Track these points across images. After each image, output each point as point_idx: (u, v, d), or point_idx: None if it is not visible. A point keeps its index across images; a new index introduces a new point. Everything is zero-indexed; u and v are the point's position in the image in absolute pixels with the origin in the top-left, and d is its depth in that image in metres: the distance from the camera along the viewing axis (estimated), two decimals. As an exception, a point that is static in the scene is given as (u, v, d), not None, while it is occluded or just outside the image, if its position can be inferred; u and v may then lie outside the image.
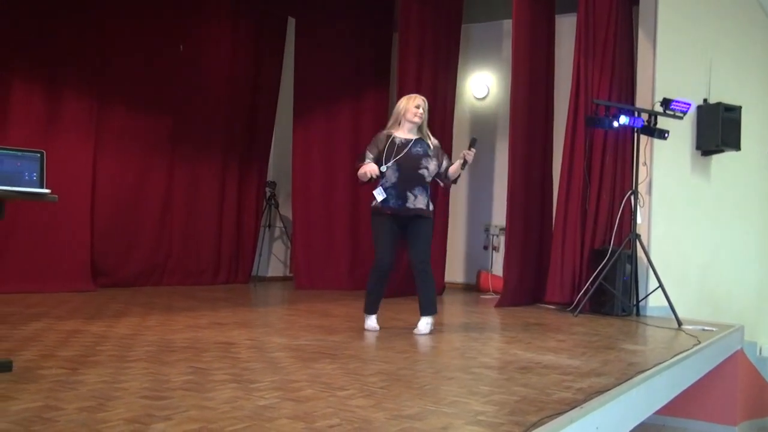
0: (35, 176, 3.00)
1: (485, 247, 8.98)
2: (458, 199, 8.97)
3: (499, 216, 8.71)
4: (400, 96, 7.36)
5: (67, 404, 2.46)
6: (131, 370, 3.09)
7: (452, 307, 7.05)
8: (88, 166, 6.84)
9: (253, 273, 8.76)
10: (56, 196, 3.02)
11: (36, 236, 6.39)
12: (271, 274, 9.26)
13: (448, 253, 8.28)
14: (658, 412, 4.22)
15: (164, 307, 5.73)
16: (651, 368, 3.75)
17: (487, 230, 8.98)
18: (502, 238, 8.34)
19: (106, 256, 7.07)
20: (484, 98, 9.19)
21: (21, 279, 6.20)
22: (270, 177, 9.08)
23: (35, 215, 6.33)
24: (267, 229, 9.09)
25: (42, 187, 3.01)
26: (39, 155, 3.04)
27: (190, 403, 2.55)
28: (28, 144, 5.82)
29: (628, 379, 3.38)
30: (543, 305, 7.16)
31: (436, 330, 4.92)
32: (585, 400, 2.83)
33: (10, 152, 2.99)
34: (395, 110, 4.84)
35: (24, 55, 6.35)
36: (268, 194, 8.99)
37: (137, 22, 7.29)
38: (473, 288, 8.94)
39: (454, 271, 9.01)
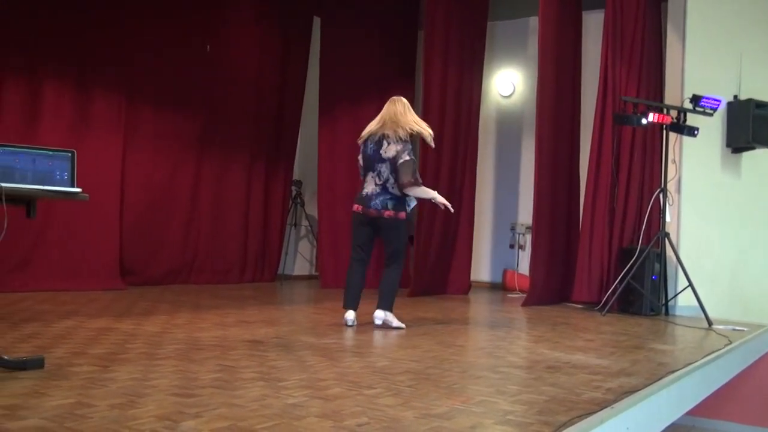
0: (66, 175, 3.04)
1: (511, 246, 8.94)
2: (484, 197, 8.94)
3: (525, 214, 8.66)
4: (426, 95, 7.43)
5: (98, 401, 2.48)
6: (161, 367, 3.12)
7: (478, 306, 7.03)
8: (116, 165, 6.91)
9: (279, 271, 8.80)
10: (87, 195, 3.06)
11: (66, 235, 6.47)
12: (297, 272, 9.29)
13: (473, 251, 8.24)
14: (689, 413, 4.17)
15: (192, 305, 5.77)
16: (681, 368, 3.70)
17: (513, 229, 8.93)
18: (528, 237, 8.29)
19: (134, 255, 7.14)
20: (509, 96, 9.14)
21: (52, 277, 6.29)
22: (296, 176, 9.11)
23: (65, 214, 6.42)
24: (293, 227, 9.12)
25: (73, 186, 3.05)
26: (70, 155, 3.08)
27: (220, 400, 2.56)
28: (58, 143, 5.91)
29: (659, 380, 3.34)
30: (570, 304, 7.11)
31: (462, 328, 4.90)
32: (615, 401, 2.80)
33: (42, 152, 3.03)
34: (418, 125, 4.88)
35: (53, 56, 6.43)
36: (294, 193, 9.02)
37: (164, 22, 7.34)
38: (499, 287, 8.90)
39: (480, 270, 8.98)
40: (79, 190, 3.04)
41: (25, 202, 3.00)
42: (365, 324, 4.93)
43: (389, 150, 4.76)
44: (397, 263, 4.88)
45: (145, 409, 2.41)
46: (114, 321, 4.57)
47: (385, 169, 4.78)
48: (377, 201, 4.79)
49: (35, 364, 2.96)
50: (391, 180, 4.77)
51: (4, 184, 2.81)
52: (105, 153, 6.79)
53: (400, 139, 4.76)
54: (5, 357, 2.90)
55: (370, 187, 4.85)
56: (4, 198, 2.75)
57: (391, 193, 4.78)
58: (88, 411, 2.35)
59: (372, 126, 4.93)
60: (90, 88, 6.71)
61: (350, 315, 4.84)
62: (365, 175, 4.91)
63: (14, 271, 6.10)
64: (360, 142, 4.97)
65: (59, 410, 2.35)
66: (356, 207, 4.88)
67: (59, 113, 6.48)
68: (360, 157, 4.97)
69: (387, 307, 4.84)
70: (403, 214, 4.81)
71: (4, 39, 6.10)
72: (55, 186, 3.00)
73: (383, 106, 5.01)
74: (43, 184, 2.96)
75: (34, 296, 5.75)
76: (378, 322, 4.82)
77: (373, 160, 4.82)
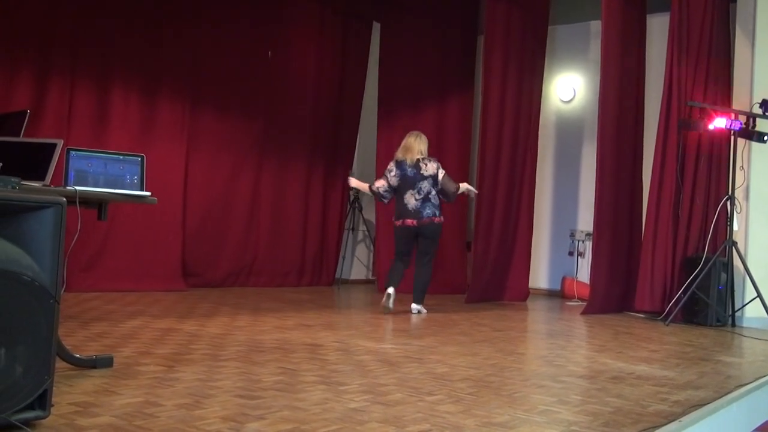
0: (136, 179, 3.12)
1: (570, 253, 8.79)
2: (543, 204, 8.82)
3: (584, 221, 8.52)
4: (485, 99, 7.41)
5: (165, 401, 2.54)
6: (224, 369, 3.17)
7: (537, 314, 6.94)
8: (180, 170, 7.08)
9: (337, 276, 8.86)
10: (156, 198, 3.14)
11: (132, 237, 6.66)
12: (353, 277, 9.33)
13: (532, 258, 8.14)
14: (759, 428, 4.03)
15: (252, 307, 5.86)
16: (751, 382, 3.58)
17: (572, 236, 8.79)
18: (588, 244, 8.15)
19: (196, 257, 7.28)
20: (570, 101, 9.01)
21: (118, 277, 6.47)
22: (354, 181, 9.15)
23: (132, 217, 6.60)
24: (350, 232, 9.17)
25: (143, 190, 3.14)
26: (140, 159, 3.17)
27: (282, 403, 2.59)
28: (125, 148, 6.08)
29: (727, 393, 3.24)
30: (631, 313, 6.95)
31: (521, 336, 4.84)
32: (683, 414, 2.73)
33: (114, 156, 3.13)
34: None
35: (122, 65, 6.64)
36: (351, 198, 9.07)
37: (227, 29, 7.49)
38: (557, 294, 8.77)
39: (538, 277, 8.87)
40: (148, 193, 3.13)
41: (96, 204, 3.10)
42: (422, 330, 4.94)
43: (429, 168, 5.93)
44: (431, 261, 6.03)
45: (211, 409, 2.45)
46: (178, 322, 4.68)
47: (426, 184, 5.89)
48: (428, 211, 5.86)
49: (105, 362, 3.05)
50: (433, 192, 5.91)
51: (78, 188, 2.91)
52: (169, 157, 6.95)
53: (431, 158, 6.02)
54: (77, 355, 3.00)
55: (411, 202, 5.89)
56: (78, 201, 2.84)
57: (433, 203, 5.90)
58: (156, 410, 2.41)
59: (404, 153, 6.00)
60: (156, 95, 6.89)
61: (391, 290, 5.79)
62: (404, 193, 5.92)
63: (84, 271, 6.30)
64: (395, 162, 6.00)
65: (128, 408, 2.41)
66: (407, 221, 5.87)
67: (127, 119, 6.69)
68: (395, 176, 5.96)
69: (422, 299, 6.02)
70: (442, 219, 5.98)
71: (76, 50, 6.33)
72: (126, 189, 3.09)
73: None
74: (114, 188, 3.06)
75: (101, 296, 5.93)
76: (415, 312, 5.93)
77: (415, 180, 5.88)
